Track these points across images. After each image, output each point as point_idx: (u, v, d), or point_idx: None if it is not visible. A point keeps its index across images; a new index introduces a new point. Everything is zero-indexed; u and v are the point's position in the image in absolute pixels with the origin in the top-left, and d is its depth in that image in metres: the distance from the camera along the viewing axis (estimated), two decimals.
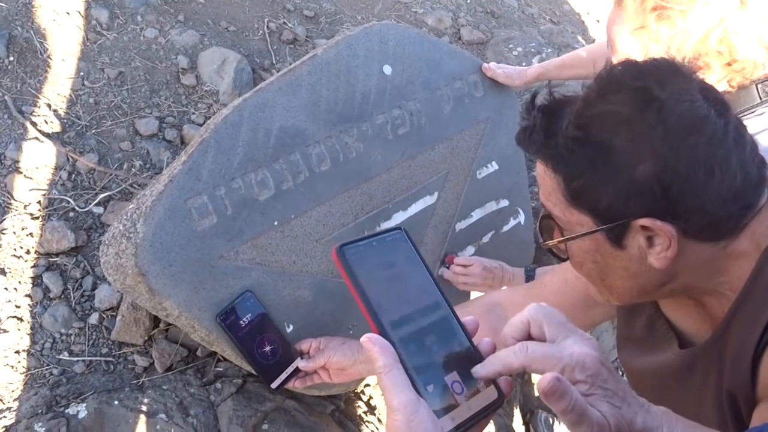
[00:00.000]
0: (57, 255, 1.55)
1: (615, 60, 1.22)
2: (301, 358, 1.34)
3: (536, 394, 2.20)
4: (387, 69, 1.59)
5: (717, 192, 0.73)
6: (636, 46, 1.16)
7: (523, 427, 2.05)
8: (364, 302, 0.57)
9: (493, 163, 1.82)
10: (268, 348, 1.31)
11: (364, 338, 0.57)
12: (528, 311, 0.64)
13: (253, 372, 1.33)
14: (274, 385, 1.31)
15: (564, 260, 0.88)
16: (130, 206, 1.27)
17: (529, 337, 0.63)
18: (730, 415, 0.78)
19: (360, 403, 1.73)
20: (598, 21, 3.51)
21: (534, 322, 0.63)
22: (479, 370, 0.60)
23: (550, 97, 0.82)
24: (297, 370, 1.34)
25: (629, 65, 0.78)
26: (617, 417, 0.58)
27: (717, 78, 1.14)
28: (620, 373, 2.30)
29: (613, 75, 0.78)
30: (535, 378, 2.19)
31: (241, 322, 1.28)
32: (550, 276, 1.25)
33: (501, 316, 1.27)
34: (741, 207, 0.76)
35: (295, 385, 1.36)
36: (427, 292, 0.61)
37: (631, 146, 0.73)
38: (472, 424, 0.56)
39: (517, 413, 2.03)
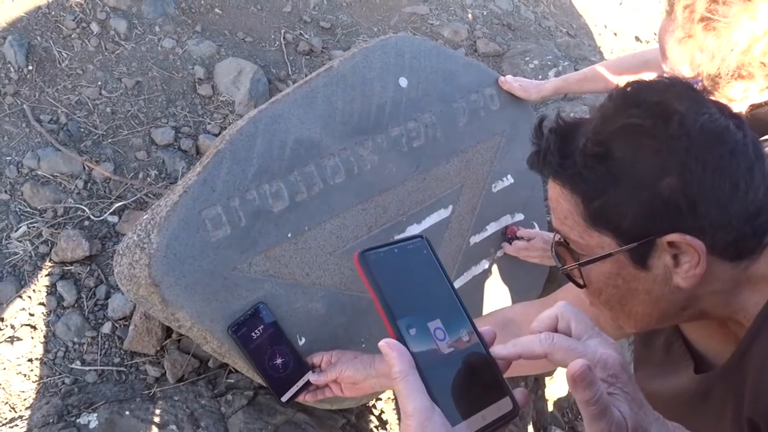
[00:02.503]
0: (71, 264, 1.56)
1: (666, 67, 1.25)
2: (313, 372, 1.33)
3: (550, 410, 2.17)
4: (403, 81, 1.59)
5: (742, 205, 0.72)
6: (683, 54, 1.20)
7: None
8: (383, 308, 0.58)
9: (509, 176, 1.81)
10: (279, 360, 1.30)
11: (382, 343, 0.57)
12: (558, 307, 0.64)
13: (264, 384, 1.32)
14: (284, 398, 1.30)
15: (582, 287, 0.85)
16: (145, 216, 1.27)
17: (555, 332, 0.63)
18: None
19: (371, 417, 1.71)
20: (615, 34, 3.50)
21: (562, 318, 0.63)
22: (500, 350, 0.60)
23: (560, 120, 0.81)
24: (308, 384, 1.32)
25: (641, 84, 0.77)
26: (635, 420, 0.58)
27: (760, 87, 1.17)
28: None
29: (628, 92, 0.77)
30: (549, 393, 2.17)
31: (252, 334, 1.27)
32: (564, 293, 1.23)
33: (515, 332, 1.25)
34: (764, 221, 0.74)
35: (306, 398, 1.35)
36: (446, 301, 0.61)
37: (656, 159, 0.72)
38: None
39: (530, 430, 2.00)
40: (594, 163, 0.75)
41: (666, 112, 0.72)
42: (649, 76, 1.66)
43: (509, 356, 0.60)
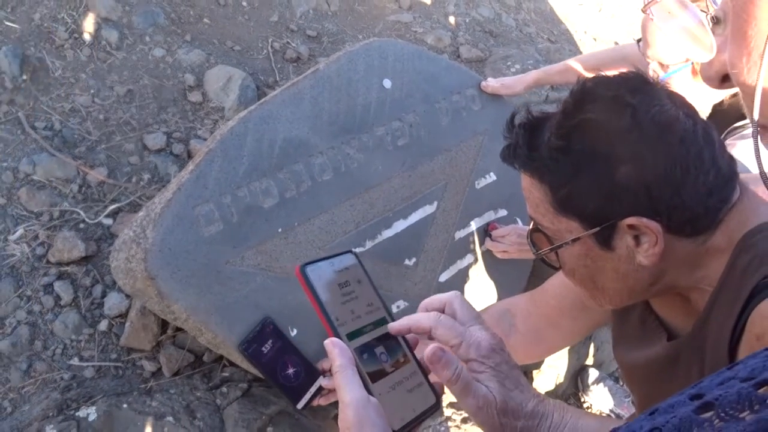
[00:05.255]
0: (68, 264, 1.60)
1: (649, 53, 1.37)
2: (324, 377, 1.38)
3: None
4: (387, 83, 1.65)
5: (694, 188, 0.78)
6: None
7: None
8: (324, 315, 0.64)
9: (492, 173, 1.87)
10: (291, 370, 1.35)
11: (326, 342, 0.63)
12: (448, 295, 0.73)
13: (268, 386, 1.36)
14: (299, 406, 1.35)
15: (557, 269, 0.93)
16: (140, 213, 1.31)
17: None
18: None
19: None
20: (595, 39, 3.59)
21: (450, 304, 0.72)
22: (393, 325, 0.68)
23: (529, 115, 0.88)
24: (321, 388, 1.37)
25: (599, 78, 0.85)
26: (505, 396, 0.65)
27: None
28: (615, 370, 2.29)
29: (587, 87, 0.84)
30: (537, 386, 2.22)
31: (263, 348, 1.33)
32: (552, 280, 1.29)
33: (510, 322, 1.32)
34: (717, 201, 0.80)
35: (320, 402, 1.40)
36: (375, 309, 0.69)
37: (611, 150, 0.79)
38: (415, 425, 0.64)
39: None
40: (558, 155, 0.82)
41: (619, 106, 0.79)
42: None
43: (400, 329, 0.68)
